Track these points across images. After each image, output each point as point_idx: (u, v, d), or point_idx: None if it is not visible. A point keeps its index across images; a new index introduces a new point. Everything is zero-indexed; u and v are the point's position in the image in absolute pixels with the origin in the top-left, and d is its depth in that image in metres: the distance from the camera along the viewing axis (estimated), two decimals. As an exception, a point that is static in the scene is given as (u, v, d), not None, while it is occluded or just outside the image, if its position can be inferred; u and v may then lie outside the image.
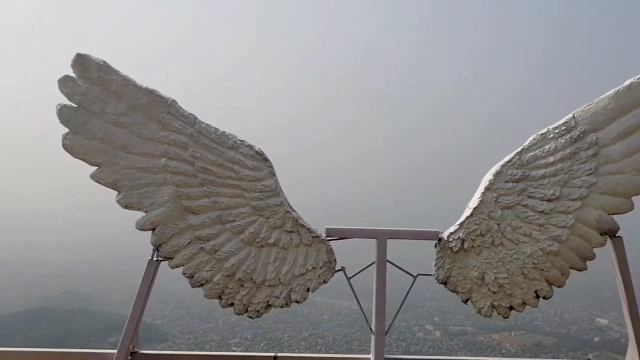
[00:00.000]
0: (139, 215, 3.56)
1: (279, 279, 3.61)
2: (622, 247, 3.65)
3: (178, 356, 3.91)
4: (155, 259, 3.59)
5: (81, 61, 3.44)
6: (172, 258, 3.55)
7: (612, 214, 3.63)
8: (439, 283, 3.65)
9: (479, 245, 3.64)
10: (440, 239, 3.71)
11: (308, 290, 3.63)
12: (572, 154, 3.64)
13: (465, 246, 3.64)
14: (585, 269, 3.64)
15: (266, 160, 3.63)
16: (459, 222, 3.70)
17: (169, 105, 3.54)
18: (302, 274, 3.62)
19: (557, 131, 3.68)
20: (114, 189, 3.50)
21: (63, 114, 3.44)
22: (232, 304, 3.61)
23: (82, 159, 3.47)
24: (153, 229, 3.53)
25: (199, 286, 3.57)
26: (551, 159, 3.65)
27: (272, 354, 3.77)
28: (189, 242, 3.55)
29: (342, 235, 3.74)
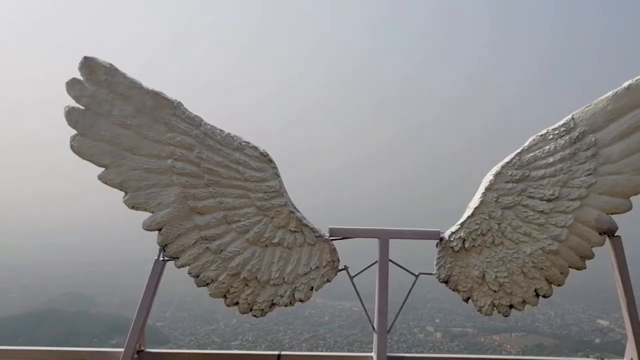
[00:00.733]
0: (142, 217, 3.61)
1: (283, 278, 3.66)
2: (620, 246, 3.70)
3: (184, 355, 3.95)
4: (161, 258, 3.63)
5: (88, 64, 3.49)
6: (178, 258, 3.60)
7: (611, 214, 3.67)
8: (440, 282, 3.70)
9: (479, 245, 3.69)
10: (441, 239, 3.76)
11: (312, 289, 3.68)
12: (572, 155, 3.69)
13: (466, 245, 3.69)
14: (585, 268, 3.69)
15: (270, 161, 3.69)
16: (460, 221, 3.75)
17: (175, 108, 3.60)
18: (306, 273, 3.67)
19: (556, 132, 3.73)
20: (121, 190, 3.55)
21: (71, 116, 3.50)
22: (237, 303, 3.66)
23: (90, 161, 3.52)
24: (159, 229, 3.58)
25: (205, 285, 3.62)
26: (551, 159, 3.71)
27: (276, 353, 3.82)
28: (195, 242, 3.60)
29: (345, 235, 3.79)
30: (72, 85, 3.49)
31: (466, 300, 3.72)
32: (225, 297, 3.65)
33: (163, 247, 3.60)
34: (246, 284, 3.64)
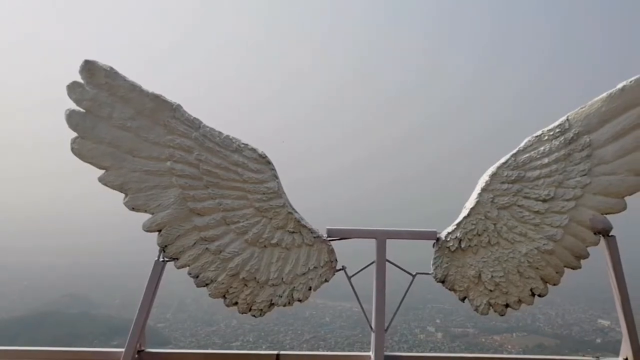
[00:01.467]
0: (142, 219, 3.64)
1: (282, 279, 3.69)
2: (615, 246, 3.74)
3: (184, 354, 3.99)
4: (161, 259, 3.67)
5: (89, 67, 3.53)
6: (177, 259, 3.64)
7: (606, 214, 3.71)
8: (437, 281, 3.74)
9: (475, 245, 3.73)
10: (438, 239, 3.80)
11: (310, 289, 3.72)
12: (566, 156, 3.73)
13: (463, 246, 3.73)
14: (580, 268, 3.73)
15: (269, 163, 3.73)
16: (456, 222, 3.79)
17: (174, 110, 3.64)
18: (304, 274, 3.71)
19: (551, 133, 3.77)
20: (121, 192, 3.59)
21: (72, 119, 3.53)
22: (236, 303, 3.69)
23: (90, 163, 3.56)
24: (159, 231, 3.61)
25: (204, 286, 3.65)
26: (546, 160, 3.74)
27: (275, 352, 3.85)
28: (194, 243, 3.64)
29: (343, 235, 3.83)
30: (73, 89, 3.53)
31: (462, 299, 3.76)
32: (224, 297, 3.68)
33: (163, 248, 3.64)
34: (245, 284, 3.68)
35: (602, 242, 3.75)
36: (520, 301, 3.75)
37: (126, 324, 3.70)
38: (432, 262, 3.76)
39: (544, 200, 3.72)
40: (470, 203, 3.79)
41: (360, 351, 3.81)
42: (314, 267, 3.72)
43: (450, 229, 3.79)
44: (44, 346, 3.99)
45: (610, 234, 3.75)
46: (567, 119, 3.78)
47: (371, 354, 3.75)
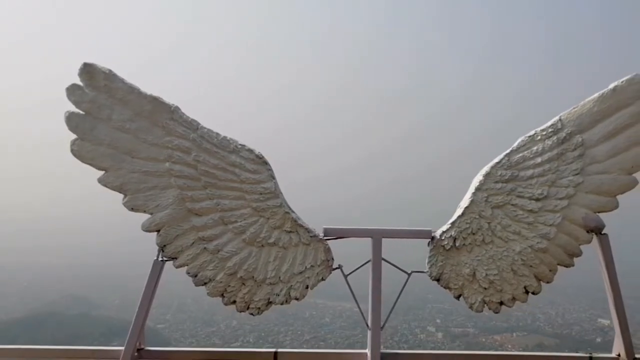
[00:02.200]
0: (141, 219, 3.68)
1: (279, 277, 3.74)
2: (607, 244, 3.78)
3: (182, 352, 4.04)
4: (160, 259, 3.71)
5: (88, 70, 3.56)
6: (176, 258, 3.68)
7: (598, 212, 3.76)
8: (432, 280, 3.78)
9: (470, 243, 3.78)
10: (433, 238, 3.84)
11: (307, 287, 3.76)
12: (559, 155, 3.78)
13: (457, 244, 3.77)
14: (573, 265, 3.78)
15: (266, 163, 3.77)
16: (451, 221, 3.83)
17: (173, 112, 3.68)
18: (301, 272, 3.75)
19: (544, 133, 3.82)
20: (120, 192, 3.62)
21: (71, 120, 3.57)
22: (234, 302, 3.74)
23: (90, 164, 3.60)
24: (158, 231, 3.65)
25: (203, 285, 3.70)
26: (539, 159, 3.79)
27: (273, 350, 3.90)
28: (193, 243, 3.68)
29: (339, 234, 3.87)
30: (73, 91, 3.56)
31: (457, 297, 3.80)
32: (222, 296, 3.73)
33: (162, 248, 3.68)
34: (243, 283, 3.72)
35: (595, 240, 3.79)
36: (514, 299, 3.79)
37: (126, 325, 3.74)
38: (427, 261, 3.81)
39: (537, 199, 3.77)
40: (464, 202, 3.84)
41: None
42: (311, 265, 3.76)
43: (445, 227, 3.83)
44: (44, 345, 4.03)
45: (602, 232, 3.79)
46: (560, 119, 3.83)
47: (367, 351, 3.79)
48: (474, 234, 3.78)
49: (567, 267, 3.78)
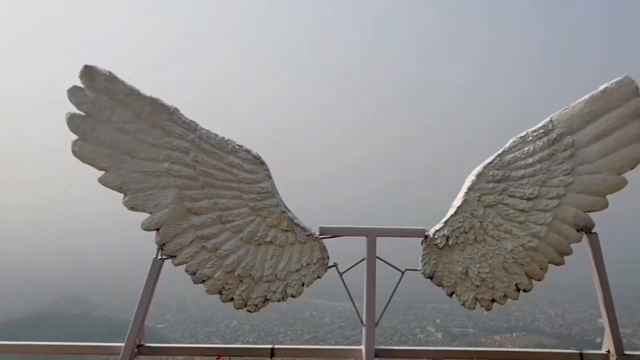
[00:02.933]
0: (140, 219, 3.75)
1: (276, 275, 3.82)
2: (597, 242, 3.85)
3: (181, 349, 4.12)
4: (159, 257, 3.78)
5: (89, 72, 3.63)
6: (175, 256, 3.75)
7: (588, 212, 3.83)
8: (426, 277, 3.86)
9: (462, 242, 3.85)
10: (426, 236, 3.92)
11: (303, 285, 3.83)
12: (550, 156, 3.85)
13: (450, 243, 3.85)
14: (563, 264, 3.85)
15: (263, 163, 3.84)
16: (443, 220, 3.91)
17: (172, 113, 3.75)
18: (297, 270, 3.82)
19: (535, 134, 3.89)
20: (121, 192, 3.69)
21: (72, 122, 3.64)
22: (232, 299, 3.81)
23: (91, 164, 3.66)
24: (157, 229, 3.72)
25: (201, 282, 3.77)
26: (530, 160, 3.86)
27: (270, 346, 3.97)
28: (191, 241, 3.75)
29: (335, 233, 3.94)
30: (74, 93, 3.63)
31: (450, 295, 3.87)
32: (220, 293, 3.80)
33: (161, 246, 3.75)
34: (240, 281, 3.80)
35: (585, 238, 3.86)
36: (505, 296, 3.86)
37: (126, 325, 3.79)
38: (420, 259, 3.88)
39: (529, 199, 3.84)
40: (457, 202, 3.91)
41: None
42: (307, 264, 3.84)
43: (438, 226, 3.91)
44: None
45: (592, 231, 3.86)
46: (551, 120, 3.90)
47: (362, 347, 3.87)
48: (466, 232, 3.85)
49: (557, 265, 3.85)
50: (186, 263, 3.76)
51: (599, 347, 3.97)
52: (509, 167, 3.89)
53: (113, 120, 3.68)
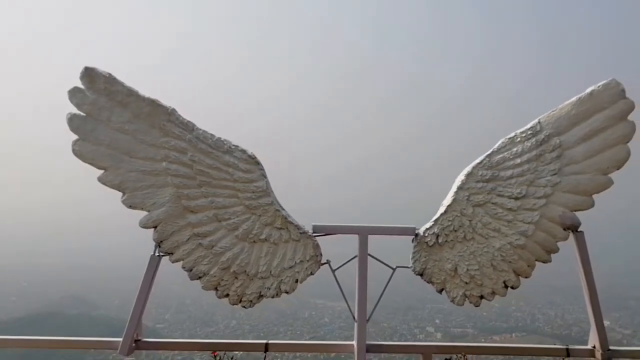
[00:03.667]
0: (140, 218, 3.84)
1: (270, 272, 3.91)
2: (583, 241, 3.94)
3: (177, 343, 4.21)
4: (157, 254, 3.87)
5: (89, 74, 3.73)
6: (172, 253, 3.84)
7: (575, 211, 3.92)
8: (416, 274, 3.95)
9: (452, 240, 3.95)
10: (416, 234, 4.01)
11: (297, 281, 3.93)
12: (538, 156, 3.94)
13: (440, 241, 3.94)
14: (550, 261, 3.93)
15: (258, 163, 3.94)
16: (434, 218, 4.00)
17: (170, 114, 3.84)
18: (291, 267, 3.92)
19: (523, 135, 3.98)
20: (119, 191, 3.78)
21: (73, 122, 3.73)
22: (227, 295, 3.90)
23: (90, 163, 3.75)
24: (155, 227, 3.81)
25: (197, 279, 3.86)
26: (518, 160, 3.95)
27: (264, 341, 4.07)
28: (188, 239, 3.84)
29: (327, 231, 4.03)
30: (74, 94, 3.72)
31: (440, 291, 3.97)
32: (216, 289, 3.89)
33: (158, 244, 3.84)
34: (236, 277, 3.89)
35: (572, 237, 3.95)
36: (494, 293, 3.96)
37: (125, 325, 3.87)
38: (411, 257, 3.98)
39: (517, 198, 3.93)
40: (447, 201, 4.01)
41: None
42: (300, 261, 3.93)
43: (428, 225, 4.00)
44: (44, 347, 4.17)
45: (578, 230, 3.95)
46: (539, 122, 3.99)
47: (354, 342, 3.97)
48: (455, 231, 3.95)
49: (544, 262, 3.95)
50: (183, 260, 3.85)
51: (615, 354, 4.03)
52: (497, 167, 3.98)
53: (112, 120, 3.77)
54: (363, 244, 3.96)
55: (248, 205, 3.92)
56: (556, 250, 3.95)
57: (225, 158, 3.90)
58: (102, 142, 3.76)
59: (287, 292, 3.92)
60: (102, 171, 3.78)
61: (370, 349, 3.95)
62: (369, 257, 3.95)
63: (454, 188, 4.01)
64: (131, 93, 3.80)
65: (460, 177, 4.01)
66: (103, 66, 3.80)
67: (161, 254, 3.88)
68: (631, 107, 3.88)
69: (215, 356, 3.90)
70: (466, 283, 3.94)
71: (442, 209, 4.01)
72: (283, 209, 3.98)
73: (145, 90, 3.86)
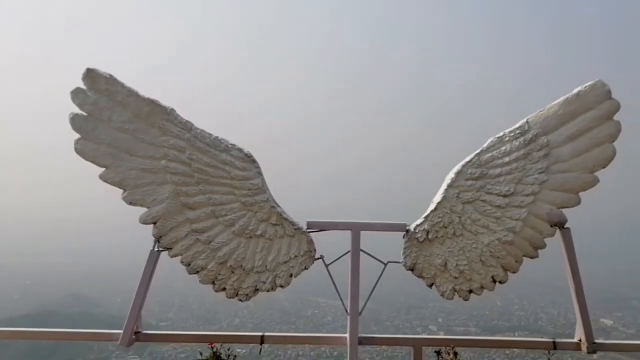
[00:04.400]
0: (140, 215, 3.96)
1: (266, 266, 4.03)
2: (569, 237, 4.05)
3: (175, 335, 4.33)
4: (156, 249, 4.00)
5: (90, 75, 3.85)
6: (171, 248, 3.96)
7: (561, 208, 4.03)
8: (407, 269, 4.07)
9: (442, 236, 4.06)
10: (407, 231, 4.12)
11: (291, 275, 4.05)
12: (526, 155, 4.05)
13: (430, 237, 4.05)
14: (537, 257, 4.04)
15: (254, 161, 4.06)
16: (424, 215, 4.11)
17: (169, 114, 3.96)
18: (285, 262, 4.04)
19: (512, 134, 4.08)
20: (120, 188, 3.90)
21: (75, 121, 3.85)
22: (224, 289, 4.02)
23: (92, 162, 3.87)
24: (154, 223, 3.94)
25: (195, 273, 3.98)
26: (507, 159, 4.06)
27: (259, 334, 4.19)
28: (186, 234, 3.97)
29: (321, 227, 4.15)
30: (76, 94, 3.85)
31: (430, 286, 4.08)
32: (213, 283, 4.01)
33: (158, 239, 3.96)
34: (232, 272, 4.01)
35: (558, 233, 4.06)
36: (482, 287, 4.07)
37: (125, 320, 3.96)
38: (402, 252, 4.09)
39: (505, 196, 4.04)
40: (437, 198, 4.12)
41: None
42: (295, 256, 4.05)
43: (418, 221, 4.11)
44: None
45: (565, 226, 4.06)
46: (527, 121, 4.10)
47: (347, 335, 4.08)
48: (445, 227, 4.06)
49: (531, 258, 4.06)
50: (181, 255, 3.97)
51: (600, 347, 4.11)
52: (486, 165, 4.08)
53: (113, 120, 3.89)
54: (356, 240, 4.08)
55: (244, 202, 4.03)
56: (543, 246, 4.06)
57: (223, 156, 4.02)
58: (103, 140, 3.88)
59: (282, 286, 4.04)
60: (103, 169, 3.90)
61: (363, 341, 4.07)
62: (361, 252, 4.07)
63: (444, 186, 4.12)
64: (131, 93, 3.92)
65: (450, 175, 4.12)
66: (104, 65, 3.92)
67: (160, 249, 4.00)
68: (617, 108, 3.99)
69: (212, 347, 4.02)
70: (455, 278, 4.05)
71: (432, 206, 4.12)
72: (278, 206, 4.10)
73: (150, 89, 3.97)
